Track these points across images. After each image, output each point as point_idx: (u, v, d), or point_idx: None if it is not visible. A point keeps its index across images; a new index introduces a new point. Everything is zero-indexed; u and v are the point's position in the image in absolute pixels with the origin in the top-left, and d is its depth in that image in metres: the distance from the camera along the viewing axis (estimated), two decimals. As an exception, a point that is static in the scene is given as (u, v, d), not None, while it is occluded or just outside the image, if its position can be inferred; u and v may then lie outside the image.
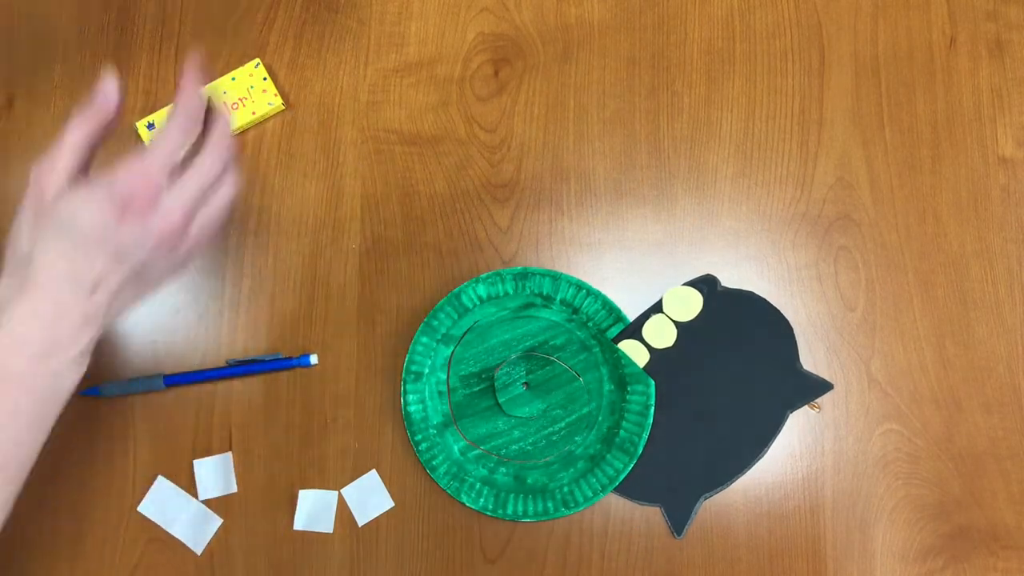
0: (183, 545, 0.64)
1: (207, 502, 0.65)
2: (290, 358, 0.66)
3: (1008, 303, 0.67)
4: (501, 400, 0.65)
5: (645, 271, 0.68)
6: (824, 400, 0.66)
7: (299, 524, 0.64)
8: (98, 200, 0.46)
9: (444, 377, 0.66)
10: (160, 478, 0.65)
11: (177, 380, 0.66)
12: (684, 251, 0.68)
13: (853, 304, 0.67)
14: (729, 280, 0.68)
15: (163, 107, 0.69)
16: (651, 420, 0.64)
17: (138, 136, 0.69)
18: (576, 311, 0.66)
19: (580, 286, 0.66)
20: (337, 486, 0.65)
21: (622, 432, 0.65)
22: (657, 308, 0.67)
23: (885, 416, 0.65)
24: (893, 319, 0.67)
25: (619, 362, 0.66)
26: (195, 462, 0.65)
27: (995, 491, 0.64)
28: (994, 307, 0.67)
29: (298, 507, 0.64)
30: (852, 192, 0.69)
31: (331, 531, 0.64)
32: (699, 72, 0.71)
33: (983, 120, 0.69)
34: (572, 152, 0.70)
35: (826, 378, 0.66)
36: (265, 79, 0.69)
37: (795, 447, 0.65)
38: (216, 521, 0.65)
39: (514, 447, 0.65)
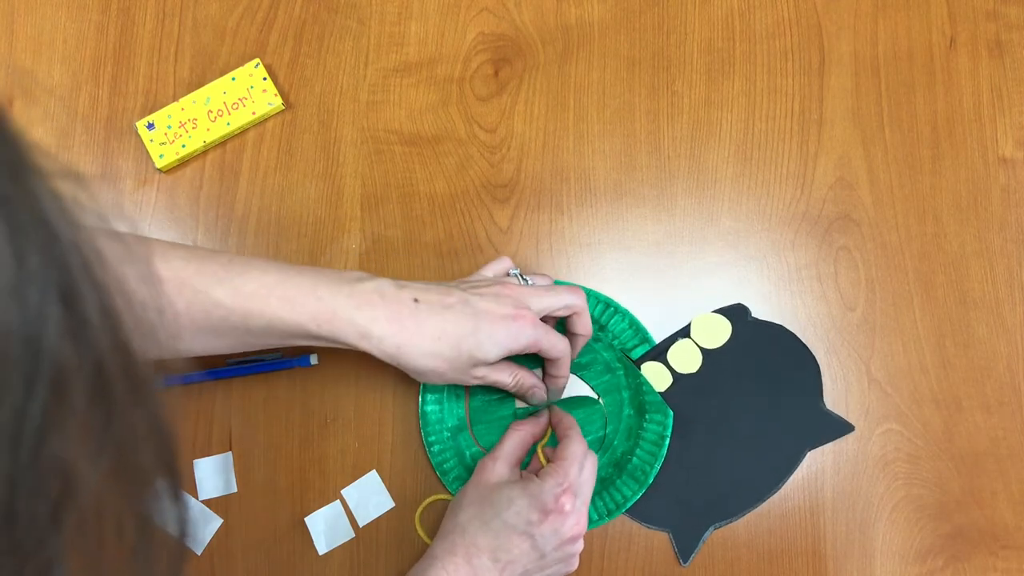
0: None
1: (207, 502, 0.65)
2: (290, 358, 0.66)
3: (1008, 303, 0.67)
4: (519, 411, 0.65)
5: (645, 271, 0.68)
6: (824, 400, 0.66)
7: (323, 548, 0.64)
8: (526, 502, 0.56)
9: None
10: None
11: (177, 380, 0.66)
12: (684, 251, 0.68)
13: (853, 304, 0.67)
14: (729, 280, 0.67)
15: (163, 107, 0.69)
16: (665, 451, 0.64)
17: (138, 136, 0.69)
18: (602, 328, 0.66)
19: (608, 303, 0.66)
20: (337, 486, 0.65)
21: (635, 459, 0.64)
22: (685, 332, 0.67)
23: (885, 416, 0.65)
24: (893, 319, 0.67)
25: (640, 388, 0.65)
26: (195, 462, 0.65)
27: (995, 491, 0.64)
28: (994, 307, 0.67)
29: (312, 534, 0.64)
30: (852, 192, 0.68)
31: (354, 535, 0.64)
32: (699, 72, 0.71)
33: (983, 120, 0.69)
34: (572, 152, 0.70)
35: (826, 378, 0.66)
36: (265, 79, 0.69)
37: (795, 447, 0.65)
38: (216, 521, 0.65)
39: (525, 459, 0.64)
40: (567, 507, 0.56)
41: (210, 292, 0.53)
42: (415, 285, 0.56)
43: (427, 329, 0.55)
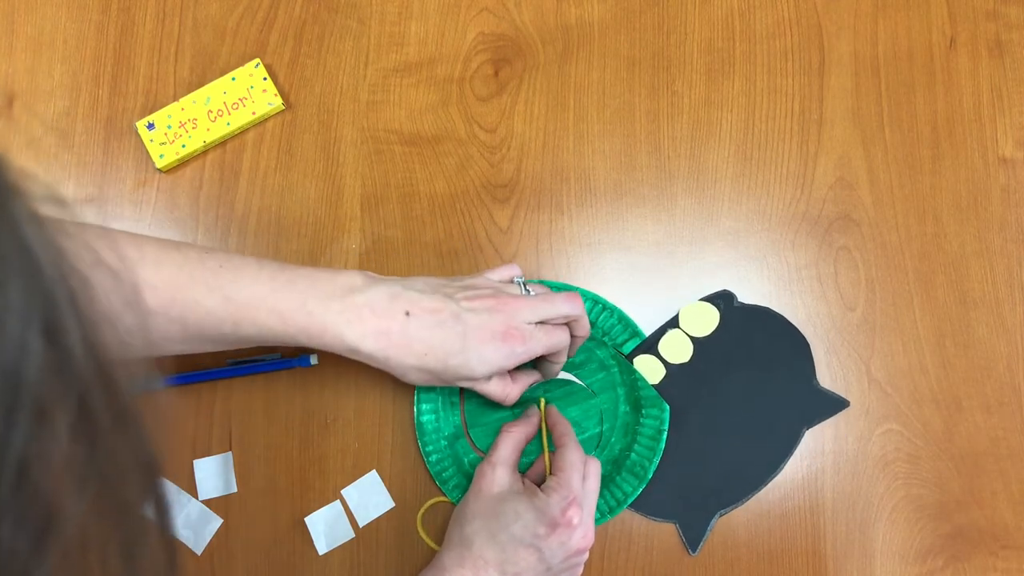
0: (183, 545, 0.64)
1: (207, 502, 0.65)
2: (290, 358, 0.66)
3: (1008, 303, 0.67)
4: (517, 412, 0.65)
5: (645, 271, 0.68)
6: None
7: (323, 548, 0.64)
8: (533, 516, 0.56)
9: (456, 388, 0.65)
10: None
11: (177, 380, 0.66)
12: (684, 251, 0.68)
13: (853, 304, 0.67)
14: (729, 279, 0.68)
15: (163, 107, 0.69)
16: (663, 445, 0.64)
17: (138, 136, 0.69)
18: (592, 325, 0.65)
19: (596, 300, 0.66)
20: (337, 486, 0.65)
21: (633, 455, 0.64)
22: (673, 323, 0.67)
23: (885, 416, 0.65)
24: (893, 319, 0.67)
25: (636, 384, 0.65)
26: (195, 462, 0.65)
27: (995, 491, 0.64)
28: (994, 307, 0.67)
29: (312, 534, 0.64)
30: (852, 192, 0.69)
31: (354, 535, 0.64)
32: (699, 72, 0.71)
33: (983, 120, 0.69)
34: (572, 152, 0.70)
35: (826, 378, 0.66)
36: (265, 79, 0.69)
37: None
38: (216, 521, 0.65)
39: (524, 460, 0.64)
40: (575, 520, 0.56)
41: (201, 301, 0.53)
42: (409, 293, 0.56)
43: (415, 345, 0.55)
